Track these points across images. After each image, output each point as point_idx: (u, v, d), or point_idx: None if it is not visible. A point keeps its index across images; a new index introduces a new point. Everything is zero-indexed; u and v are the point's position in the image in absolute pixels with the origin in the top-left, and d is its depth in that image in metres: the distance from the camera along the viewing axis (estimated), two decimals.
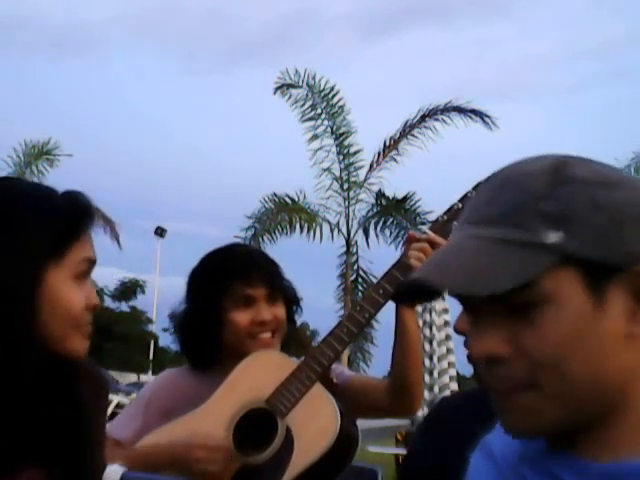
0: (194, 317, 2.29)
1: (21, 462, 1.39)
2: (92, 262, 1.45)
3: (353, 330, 2.20)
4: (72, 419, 1.45)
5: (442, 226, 2.24)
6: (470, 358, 0.88)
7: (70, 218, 1.42)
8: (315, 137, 16.39)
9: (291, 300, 2.35)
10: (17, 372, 1.38)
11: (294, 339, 2.43)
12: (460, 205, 2.23)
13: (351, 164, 16.44)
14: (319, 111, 16.38)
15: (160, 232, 34.89)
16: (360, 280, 16.42)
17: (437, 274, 0.84)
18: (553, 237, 0.82)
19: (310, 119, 16.39)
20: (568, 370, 0.83)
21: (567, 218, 0.82)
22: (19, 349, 1.38)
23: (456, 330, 1.85)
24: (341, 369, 2.43)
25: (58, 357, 1.44)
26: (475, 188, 2.23)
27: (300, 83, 16.35)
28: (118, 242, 22.30)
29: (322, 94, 16.34)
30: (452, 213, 2.24)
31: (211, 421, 2.15)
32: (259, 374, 2.20)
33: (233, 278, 2.27)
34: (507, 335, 0.83)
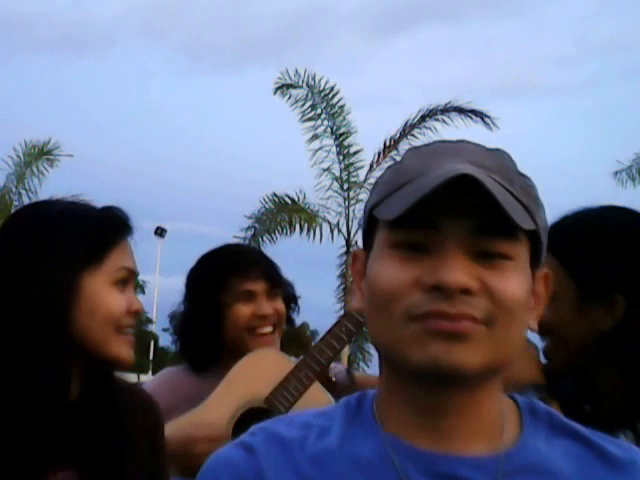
0: (194, 315, 2.29)
1: (59, 462, 1.46)
2: (131, 271, 1.53)
3: (352, 329, 2.21)
4: (109, 429, 1.52)
5: None
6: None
7: (106, 229, 1.52)
8: (315, 137, 16.42)
9: (289, 299, 2.35)
10: (55, 373, 1.45)
11: (293, 339, 2.43)
12: None
13: (351, 164, 16.46)
14: (319, 111, 16.41)
15: (160, 232, 34.85)
16: None
17: (480, 178, 0.86)
18: (535, 210, 0.93)
19: (310, 119, 16.42)
20: (516, 320, 0.91)
21: (535, 201, 0.95)
22: (57, 352, 1.45)
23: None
24: (340, 368, 2.43)
25: (103, 369, 1.53)
26: None
27: (300, 83, 16.37)
28: None
29: (322, 94, 16.35)
30: None
31: (210, 420, 2.15)
32: (257, 373, 2.20)
33: (232, 273, 2.27)
34: (474, 274, 0.88)
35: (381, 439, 0.94)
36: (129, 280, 1.53)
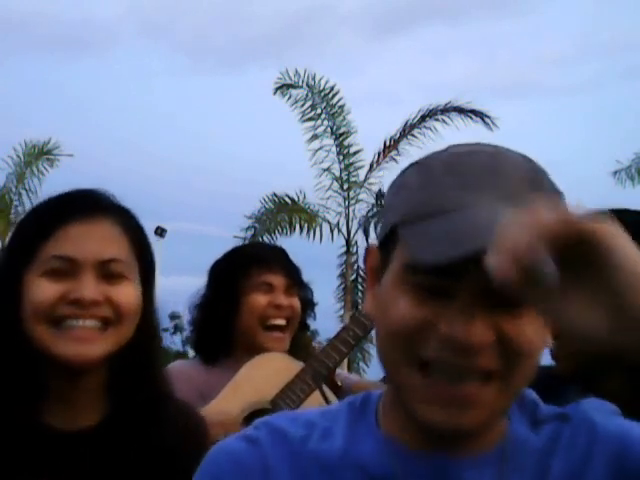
0: (212, 303, 2.34)
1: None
2: (69, 259, 1.36)
3: (359, 333, 2.22)
4: (130, 458, 1.38)
5: None
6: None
7: (39, 220, 1.40)
8: (315, 137, 16.42)
9: (307, 303, 2.38)
10: (18, 380, 1.36)
11: (302, 346, 2.44)
12: None
13: (351, 164, 16.45)
14: (319, 111, 16.41)
15: (160, 232, 34.77)
16: (360, 280, 16.43)
17: None
18: None
19: (310, 119, 16.41)
20: (532, 362, 0.88)
21: None
22: (16, 363, 1.36)
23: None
24: (346, 374, 2.45)
25: (135, 388, 1.40)
26: None
27: (300, 83, 16.37)
28: None
29: (322, 94, 16.35)
30: None
31: (223, 410, 2.16)
32: (264, 375, 2.21)
33: (253, 263, 2.32)
34: (491, 324, 0.85)
35: (383, 444, 0.94)
36: (73, 268, 1.35)
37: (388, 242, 0.91)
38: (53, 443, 1.36)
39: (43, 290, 1.34)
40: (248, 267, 2.32)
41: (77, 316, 1.34)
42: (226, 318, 2.30)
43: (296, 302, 2.33)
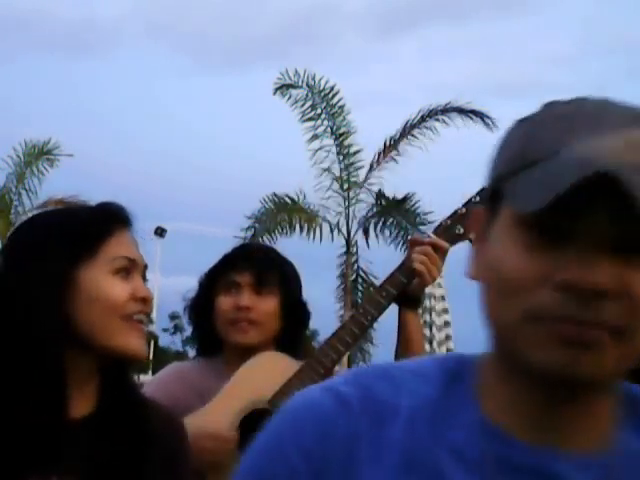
0: (193, 304, 2.39)
1: (48, 469, 1.42)
2: (132, 260, 1.52)
3: (356, 332, 2.22)
4: (121, 446, 1.47)
5: (445, 230, 2.26)
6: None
7: (98, 221, 1.52)
8: (315, 137, 16.43)
9: (298, 318, 2.35)
10: (53, 367, 1.44)
11: (302, 347, 2.42)
12: (464, 210, 2.25)
13: (351, 164, 16.46)
14: (319, 111, 16.42)
15: (160, 232, 34.74)
16: (360, 280, 16.43)
17: None
18: None
19: (310, 119, 16.42)
20: None
21: None
22: (55, 346, 1.45)
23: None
24: (344, 372, 2.45)
25: (123, 382, 1.53)
26: (479, 194, 2.23)
27: (300, 83, 16.38)
28: None
29: (322, 94, 16.36)
30: (456, 218, 2.26)
31: (215, 421, 2.17)
32: (263, 375, 2.22)
33: (224, 265, 2.35)
34: (613, 272, 0.76)
35: (482, 427, 0.84)
36: (132, 269, 1.52)
37: (494, 199, 0.84)
38: (56, 431, 1.44)
39: (117, 288, 1.48)
40: (219, 270, 2.35)
41: (141, 312, 1.51)
42: (204, 319, 2.34)
43: (265, 303, 2.28)
